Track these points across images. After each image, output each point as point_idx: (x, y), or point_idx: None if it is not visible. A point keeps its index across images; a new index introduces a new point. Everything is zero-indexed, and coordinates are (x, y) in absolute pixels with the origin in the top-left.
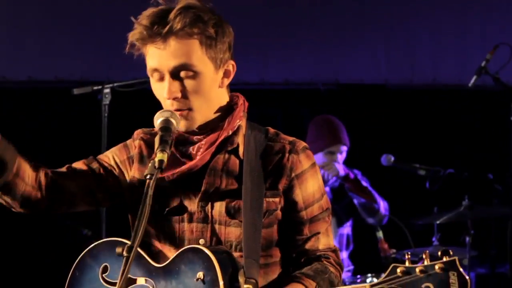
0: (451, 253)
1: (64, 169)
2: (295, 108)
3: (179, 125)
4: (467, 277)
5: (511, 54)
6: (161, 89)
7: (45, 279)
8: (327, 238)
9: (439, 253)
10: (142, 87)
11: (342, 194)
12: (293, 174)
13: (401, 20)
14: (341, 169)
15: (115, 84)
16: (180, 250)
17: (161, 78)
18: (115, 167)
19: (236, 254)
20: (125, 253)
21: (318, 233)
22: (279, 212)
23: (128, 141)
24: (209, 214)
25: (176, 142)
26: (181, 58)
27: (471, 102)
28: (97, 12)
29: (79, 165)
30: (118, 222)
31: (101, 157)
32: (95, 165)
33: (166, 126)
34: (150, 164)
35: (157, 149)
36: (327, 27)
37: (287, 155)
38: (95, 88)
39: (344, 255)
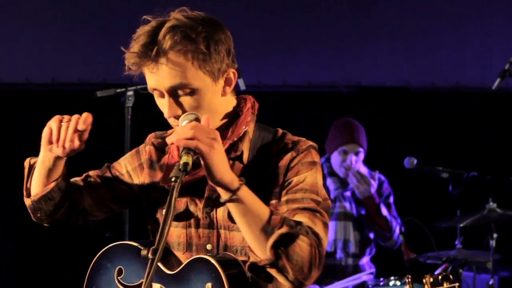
0: (451, 278)
1: (80, 182)
2: (317, 111)
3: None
4: None
5: None
6: (164, 105)
7: (68, 281)
8: (306, 219)
9: (439, 278)
10: None
11: (362, 201)
12: (289, 171)
13: (424, 22)
14: (374, 187)
15: (138, 87)
16: (189, 260)
17: (161, 95)
18: (126, 175)
19: (241, 258)
20: (150, 255)
21: (297, 211)
22: None
23: (141, 147)
24: (215, 220)
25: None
26: (175, 78)
27: (495, 105)
28: (121, 14)
29: (94, 177)
30: (140, 224)
31: (115, 165)
32: (108, 175)
33: None
34: (175, 167)
35: (182, 151)
36: (350, 29)
37: (287, 154)
38: (118, 90)
39: (365, 259)
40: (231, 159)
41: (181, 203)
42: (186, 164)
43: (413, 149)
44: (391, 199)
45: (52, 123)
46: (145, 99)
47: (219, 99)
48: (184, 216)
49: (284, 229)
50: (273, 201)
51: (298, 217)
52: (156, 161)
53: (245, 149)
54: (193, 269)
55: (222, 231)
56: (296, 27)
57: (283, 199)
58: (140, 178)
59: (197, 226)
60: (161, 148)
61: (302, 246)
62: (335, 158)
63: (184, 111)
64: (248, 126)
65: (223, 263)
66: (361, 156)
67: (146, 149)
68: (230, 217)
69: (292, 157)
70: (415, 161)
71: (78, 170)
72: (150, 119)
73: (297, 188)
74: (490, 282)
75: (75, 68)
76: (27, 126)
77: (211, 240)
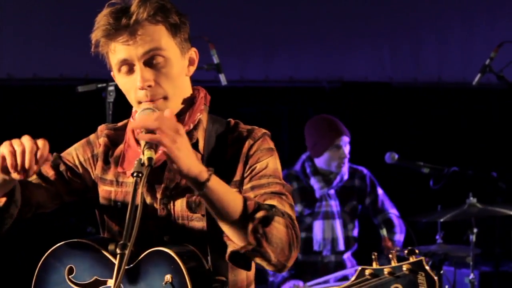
0: (417, 252)
1: (34, 178)
2: (299, 106)
3: (170, 105)
4: (435, 277)
5: None
6: (131, 82)
7: None
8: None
9: (406, 252)
10: None
11: (347, 197)
12: (247, 157)
13: (406, 18)
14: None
15: None
16: (146, 252)
17: (130, 70)
18: (79, 166)
19: (201, 248)
20: (118, 251)
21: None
22: None
23: (92, 137)
24: (172, 211)
25: (137, 138)
26: (151, 43)
27: (476, 100)
28: (102, 9)
29: (47, 170)
30: None
31: (65, 155)
32: (62, 168)
33: None
34: (136, 162)
35: (144, 146)
36: (332, 25)
37: (243, 143)
38: (100, 85)
39: (346, 255)
40: None
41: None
42: (150, 159)
43: (394, 144)
44: (379, 191)
45: (4, 149)
46: None
47: (184, 78)
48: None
49: (261, 213)
50: (234, 189)
51: (268, 202)
52: (110, 155)
53: (200, 137)
54: (150, 262)
55: (180, 222)
56: (279, 23)
57: (248, 186)
58: (92, 169)
59: (154, 217)
60: (113, 140)
61: (279, 228)
62: (328, 156)
63: (156, 82)
64: (202, 114)
65: (181, 254)
66: (348, 146)
67: (100, 141)
68: (190, 207)
69: (250, 145)
70: (396, 156)
71: None
72: (131, 114)
73: (261, 174)
74: (470, 277)
75: (56, 63)
76: (9, 121)
77: (169, 231)
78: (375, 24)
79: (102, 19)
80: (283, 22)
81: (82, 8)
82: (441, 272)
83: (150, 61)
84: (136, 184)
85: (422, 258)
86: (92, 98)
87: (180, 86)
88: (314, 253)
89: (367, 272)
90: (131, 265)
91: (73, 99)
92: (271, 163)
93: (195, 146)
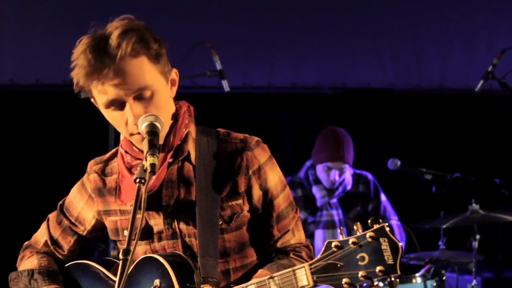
0: (380, 221)
1: (65, 252)
2: (302, 112)
3: (163, 127)
4: (398, 242)
5: None
6: (121, 116)
7: None
8: (298, 233)
9: (369, 221)
10: None
11: (351, 203)
12: (250, 172)
13: (408, 25)
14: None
15: None
16: (136, 262)
17: (119, 106)
18: (85, 215)
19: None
20: (121, 256)
21: (288, 231)
22: (246, 213)
23: (84, 178)
24: (177, 230)
25: (130, 169)
26: (138, 81)
27: (478, 106)
28: (104, 16)
29: (69, 237)
30: None
31: (69, 209)
32: (80, 229)
33: (153, 130)
34: (139, 168)
35: (146, 153)
36: (335, 32)
37: (241, 154)
38: None
39: None
40: (180, 161)
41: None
42: (153, 165)
43: (397, 151)
44: (382, 197)
45: None
46: None
47: (169, 101)
48: (146, 232)
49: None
50: (239, 201)
51: (293, 238)
52: (103, 187)
53: (191, 149)
54: (140, 270)
55: (187, 239)
56: (282, 30)
57: (272, 210)
58: (94, 208)
59: (160, 239)
60: (103, 172)
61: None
62: (320, 170)
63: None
64: (188, 127)
65: (168, 257)
66: (346, 170)
67: (90, 178)
68: (194, 224)
69: (248, 158)
70: (399, 163)
71: (62, 171)
72: None
73: (278, 192)
74: (473, 283)
75: (59, 69)
76: (11, 127)
77: (177, 250)
78: (378, 30)
79: (80, 57)
80: (286, 29)
81: (84, 14)
82: (444, 278)
83: (139, 96)
84: (139, 190)
85: (384, 224)
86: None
87: (167, 111)
88: None
89: (333, 244)
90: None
91: (76, 105)
92: (277, 177)
93: (187, 158)
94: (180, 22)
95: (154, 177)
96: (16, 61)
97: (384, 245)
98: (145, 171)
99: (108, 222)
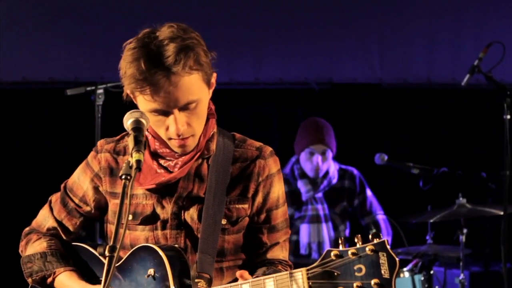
0: (381, 236)
1: (71, 234)
2: (289, 107)
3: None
4: (396, 258)
5: (503, 52)
6: (163, 122)
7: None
8: (286, 251)
9: (370, 236)
10: None
11: (337, 198)
12: (260, 179)
13: (395, 20)
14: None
15: (108, 85)
16: (132, 249)
17: (164, 114)
18: (90, 194)
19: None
20: (107, 253)
21: (278, 243)
22: (247, 218)
23: (90, 158)
24: (183, 221)
25: (155, 154)
26: (189, 96)
27: (465, 100)
28: (91, 13)
29: (74, 218)
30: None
31: (76, 191)
32: (86, 209)
33: (138, 126)
34: (124, 165)
35: (132, 149)
36: (322, 27)
37: (255, 161)
38: (88, 88)
39: None
40: (204, 159)
41: (148, 206)
42: (139, 161)
43: (383, 145)
44: (368, 192)
45: None
46: (115, 97)
47: (208, 104)
48: (151, 218)
49: None
50: (245, 205)
51: (281, 253)
52: (116, 167)
53: (215, 149)
54: (136, 258)
55: (190, 232)
56: (268, 25)
57: (267, 219)
58: (100, 187)
59: (164, 227)
60: (114, 151)
61: None
62: (303, 158)
63: (188, 124)
64: (214, 128)
65: (166, 249)
66: (329, 155)
67: (101, 157)
68: (199, 219)
69: (261, 165)
70: (386, 157)
71: (49, 167)
72: (120, 117)
73: (278, 205)
74: (460, 277)
75: (45, 66)
76: None
77: (179, 241)
78: (364, 25)
79: (133, 64)
80: (272, 25)
81: (71, 12)
82: (431, 272)
83: (184, 107)
84: (125, 187)
85: (385, 240)
86: (81, 101)
87: (205, 115)
88: (303, 256)
89: (332, 253)
90: (119, 263)
91: (62, 102)
92: (280, 190)
93: (208, 158)
94: (165, 19)
95: (177, 170)
96: (3, 58)
97: (383, 259)
98: (130, 167)
99: (112, 204)
